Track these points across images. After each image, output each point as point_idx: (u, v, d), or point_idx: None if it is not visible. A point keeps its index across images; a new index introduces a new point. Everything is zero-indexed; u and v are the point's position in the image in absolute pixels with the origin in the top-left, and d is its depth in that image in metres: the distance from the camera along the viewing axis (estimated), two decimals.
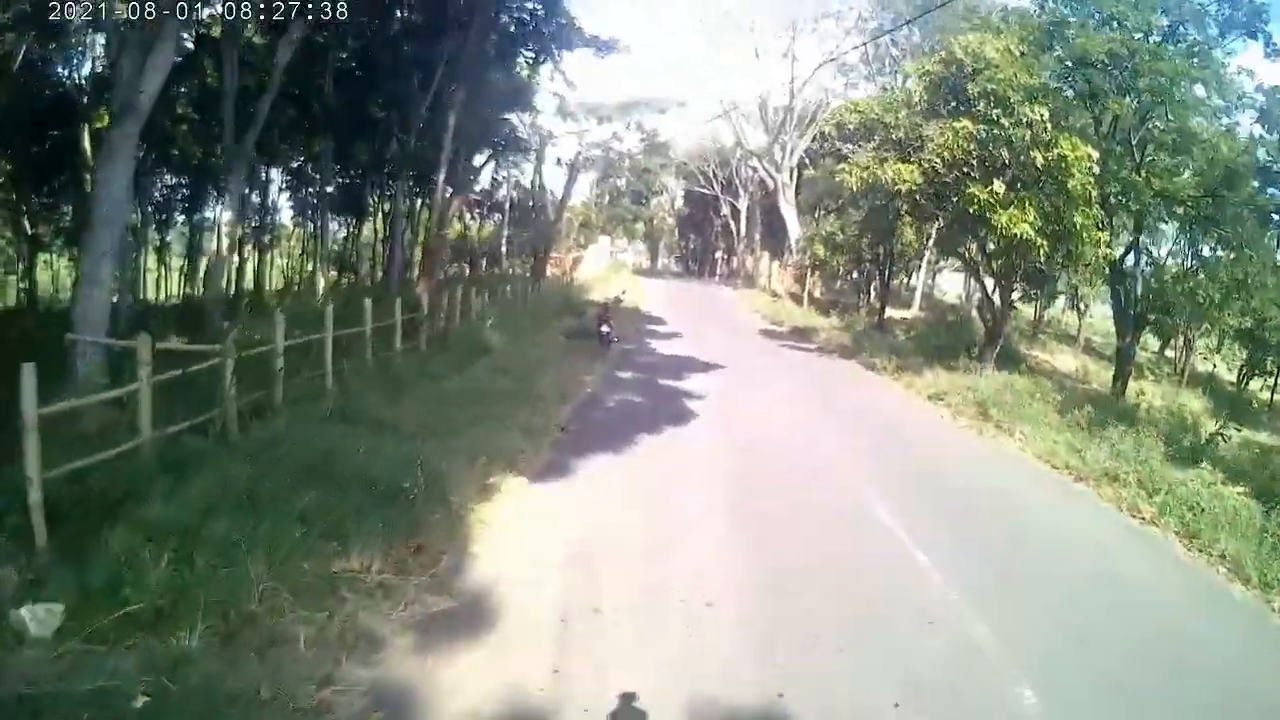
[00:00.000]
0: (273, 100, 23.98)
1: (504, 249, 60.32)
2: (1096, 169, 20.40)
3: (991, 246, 21.98)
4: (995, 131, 20.40)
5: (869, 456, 14.05)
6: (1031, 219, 19.96)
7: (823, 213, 48.36)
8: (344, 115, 31.32)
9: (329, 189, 38.44)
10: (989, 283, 26.00)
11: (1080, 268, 24.94)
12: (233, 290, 35.73)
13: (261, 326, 15.61)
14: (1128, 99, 22.49)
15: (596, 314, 24.18)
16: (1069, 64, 23.04)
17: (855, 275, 46.65)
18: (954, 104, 22.39)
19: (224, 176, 24.60)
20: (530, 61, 33.78)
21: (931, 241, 42.37)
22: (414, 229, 44.23)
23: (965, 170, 21.48)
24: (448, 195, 26.90)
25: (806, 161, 55.51)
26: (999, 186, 20.17)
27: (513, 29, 29.85)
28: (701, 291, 58.27)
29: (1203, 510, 11.54)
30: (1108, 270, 25.38)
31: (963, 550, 9.49)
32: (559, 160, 55.46)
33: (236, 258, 43.00)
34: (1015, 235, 19.99)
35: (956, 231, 24.99)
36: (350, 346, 15.56)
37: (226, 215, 23.86)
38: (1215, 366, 45.57)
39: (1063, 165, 19.77)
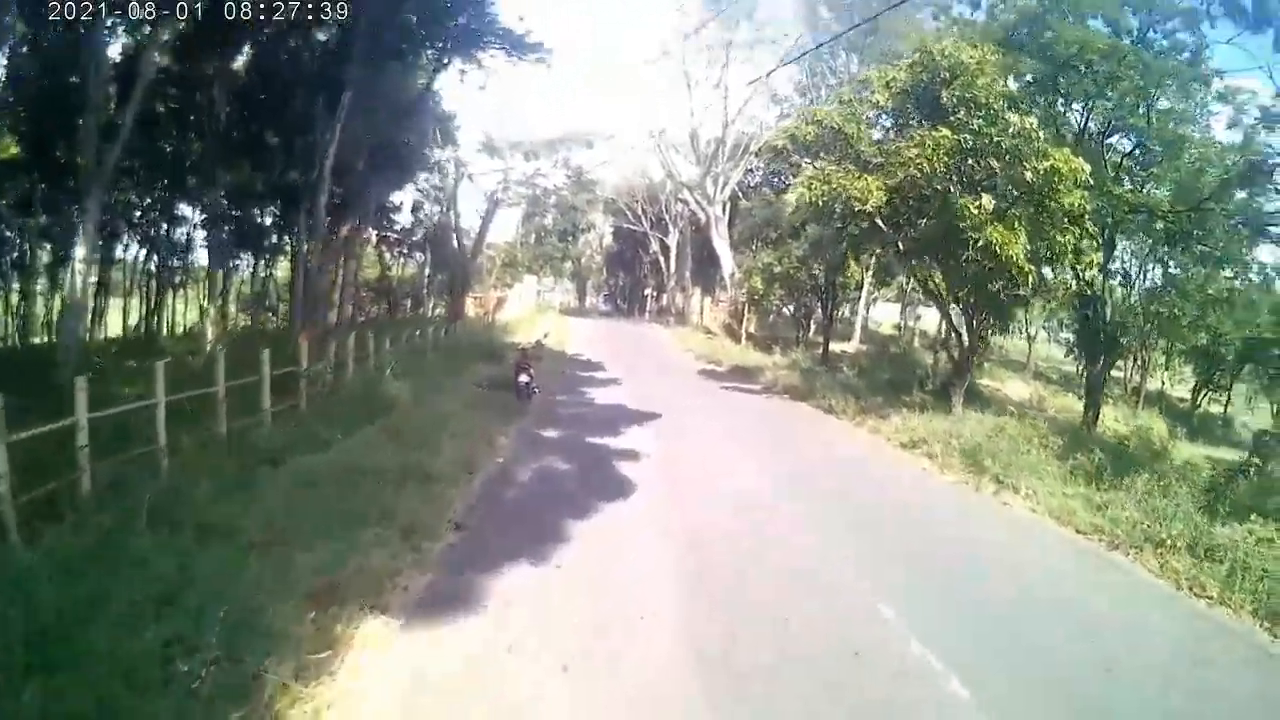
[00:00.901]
0: (139, 115, 20.66)
1: (425, 290, 57.25)
2: (1090, 182, 18.20)
3: (969, 270, 19.52)
4: (981, 142, 18.08)
5: (858, 539, 10.87)
6: (1023, 240, 17.63)
7: (759, 245, 46.49)
8: (234, 137, 27.89)
9: (224, 224, 34.80)
10: (954, 313, 23.44)
11: (1061, 291, 22.82)
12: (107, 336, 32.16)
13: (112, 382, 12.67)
14: (1102, 103, 20.59)
15: (515, 360, 20.84)
16: (1037, 68, 21.01)
17: (792, 310, 44.79)
18: (925, 114, 20.09)
19: (80, 204, 20.85)
20: (435, 61, 30.21)
21: (870, 272, 40.80)
22: (337, 268, 41.14)
23: (942, 185, 19.06)
24: (342, 230, 23.72)
25: (739, 194, 54.61)
26: (988, 201, 17.74)
27: (415, 21, 26.46)
28: (632, 330, 55.94)
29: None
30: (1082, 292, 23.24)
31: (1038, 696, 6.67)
32: (485, 196, 52.96)
33: (131, 299, 39.35)
34: (1006, 256, 17.55)
35: (919, 256, 22.30)
36: (202, 410, 12.41)
37: (80, 251, 20.06)
38: (1164, 384, 45.10)
39: (1054, 180, 17.53)
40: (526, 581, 8.38)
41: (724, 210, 53.57)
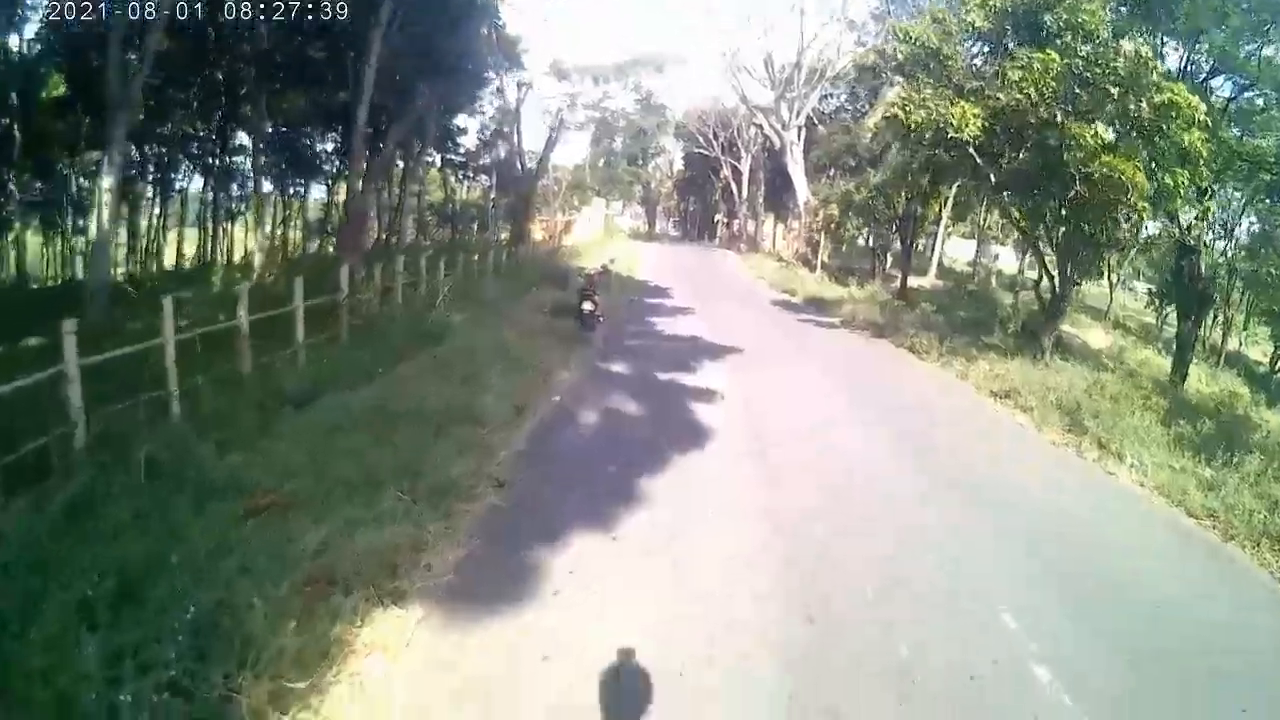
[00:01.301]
0: (179, 38, 19.58)
1: (491, 213, 56.09)
2: (1209, 122, 16.29)
3: (1071, 207, 17.72)
4: (1092, 69, 16.19)
5: (966, 517, 9.23)
6: (1142, 174, 15.80)
7: (837, 172, 44.48)
8: (278, 58, 26.68)
9: (276, 149, 33.90)
10: (1046, 253, 21.53)
11: (1166, 237, 20.90)
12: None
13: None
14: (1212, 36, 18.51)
15: (579, 288, 19.55)
16: None
17: (868, 241, 42.83)
18: (1023, 38, 18.18)
19: (107, 131, 19.77)
20: None
21: (949, 206, 38.66)
22: (392, 191, 40.16)
23: (1049, 112, 17.15)
24: (387, 150, 22.43)
25: (814, 120, 52.70)
26: (1104, 131, 15.97)
27: None
28: (702, 256, 54.56)
29: None
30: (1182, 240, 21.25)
31: None
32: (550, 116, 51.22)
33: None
34: (1131, 187, 15.77)
35: (1013, 189, 20.38)
36: (232, 347, 11.53)
37: (107, 180, 19.00)
38: (1240, 345, 43.20)
39: (1171, 115, 15.70)
40: (579, 559, 7.03)
41: (799, 136, 51.15)
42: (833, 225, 39.88)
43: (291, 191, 46.15)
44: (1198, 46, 20.07)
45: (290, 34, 27.05)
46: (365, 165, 22.72)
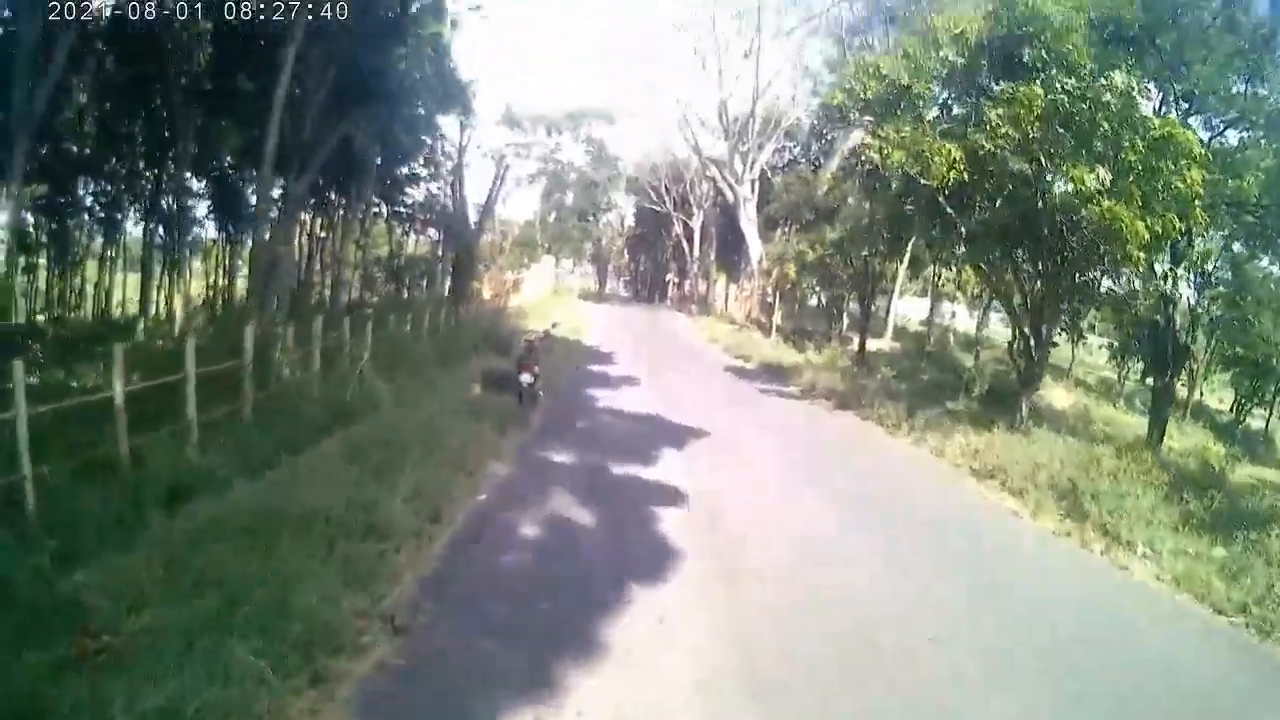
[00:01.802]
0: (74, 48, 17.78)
1: (440, 269, 54.20)
2: (1209, 158, 15.18)
3: (1054, 259, 16.54)
4: (1080, 106, 14.89)
5: (977, 643, 7.68)
6: (1144, 221, 14.52)
7: (792, 229, 43.40)
8: (201, 78, 24.72)
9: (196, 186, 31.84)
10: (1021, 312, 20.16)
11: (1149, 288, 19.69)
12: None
13: None
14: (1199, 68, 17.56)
15: (518, 357, 17.64)
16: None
17: (822, 301, 41.72)
18: (1000, 74, 17.10)
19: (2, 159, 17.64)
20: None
21: (904, 262, 37.48)
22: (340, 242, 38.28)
23: (1031, 156, 15.95)
24: (298, 186, 20.36)
25: (768, 175, 52.22)
26: (1103, 174, 14.68)
27: None
28: (653, 319, 53.27)
29: None
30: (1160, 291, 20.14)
31: None
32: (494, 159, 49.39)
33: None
34: (1130, 236, 14.52)
35: (989, 241, 18.99)
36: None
37: (1, 217, 16.98)
38: (1200, 394, 42.07)
39: (1165, 152, 14.53)
40: None
41: (752, 191, 50.34)
42: (787, 285, 38.57)
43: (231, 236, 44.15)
44: (1175, 85, 19.03)
45: (214, 57, 24.90)
46: (279, 210, 20.35)
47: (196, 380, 11.07)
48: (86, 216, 35.20)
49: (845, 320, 42.22)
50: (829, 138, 50.05)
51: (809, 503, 12.42)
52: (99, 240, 37.12)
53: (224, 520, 7.75)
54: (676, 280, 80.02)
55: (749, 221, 49.35)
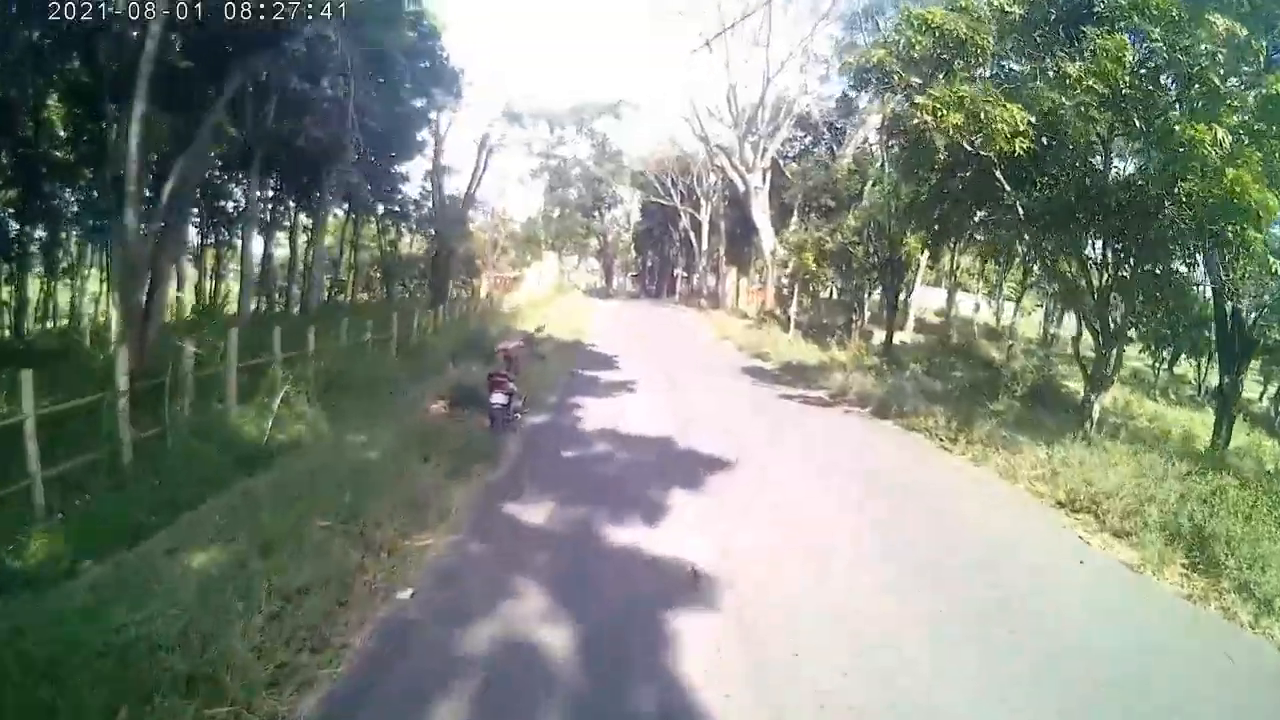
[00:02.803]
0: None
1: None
2: None
3: (1137, 239, 13.75)
4: (1178, 57, 12.28)
5: None
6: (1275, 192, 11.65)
7: (810, 215, 40.76)
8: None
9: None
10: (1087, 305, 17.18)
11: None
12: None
13: None
14: None
15: (491, 371, 14.34)
16: None
17: (837, 292, 39.53)
18: (1070, 23, 14.20)
19: None
20: None
21: (924, 250, 34.63)
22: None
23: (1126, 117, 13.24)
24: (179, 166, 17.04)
25: (780, 164, 49.48)
26: (1222, 134, 11.66)
27: None
28: (661, 315, 50.59)
29: None
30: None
31: None
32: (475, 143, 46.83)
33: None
34: (1244, 208, 11.67)
35: (1050, 220, 15.97)
36: None
37: None
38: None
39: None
40: None
41: (764, 180, 47.56)
42: (806, 276, 35.77)
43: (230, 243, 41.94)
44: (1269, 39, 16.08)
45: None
46: (143, 194, 16.54)
47: (52, 418, 8.22)
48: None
49: (867, 313, 39.34)
50: (840, 127, 48.40)
51: (884, 582, 8.15)
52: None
53: (33, 639, 4.82)
54: (685, 275, 78.11)
55: (761, 211, 46.73)
